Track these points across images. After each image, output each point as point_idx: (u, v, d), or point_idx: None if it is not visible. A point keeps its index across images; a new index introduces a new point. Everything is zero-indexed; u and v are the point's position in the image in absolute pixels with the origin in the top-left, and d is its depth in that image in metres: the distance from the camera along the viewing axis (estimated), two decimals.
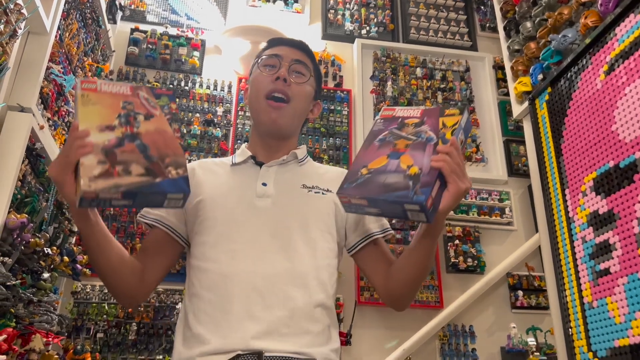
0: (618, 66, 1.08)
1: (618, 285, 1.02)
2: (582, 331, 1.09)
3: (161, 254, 1.27)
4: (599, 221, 1.08)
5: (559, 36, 1.30)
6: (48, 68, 1.92)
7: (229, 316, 1.11)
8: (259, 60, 1.35)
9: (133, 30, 3.19)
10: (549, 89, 1.33)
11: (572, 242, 1.16)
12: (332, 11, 3.61)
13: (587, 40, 1.20)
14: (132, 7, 3.25)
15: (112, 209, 2.74)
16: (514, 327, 2.89)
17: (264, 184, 1.25)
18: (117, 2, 2.93)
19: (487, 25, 3.79)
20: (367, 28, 3.61)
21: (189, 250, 1.28)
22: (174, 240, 1.27)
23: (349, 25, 3.58)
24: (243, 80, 3.23)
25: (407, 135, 1.08)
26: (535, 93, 1.44)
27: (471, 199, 3.19)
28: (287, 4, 3.43)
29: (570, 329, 1.15)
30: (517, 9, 1.54)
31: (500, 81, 3.58)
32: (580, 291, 1.13)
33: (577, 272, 1.13)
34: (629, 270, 1.01)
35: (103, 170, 0.94)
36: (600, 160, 1.09)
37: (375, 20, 3.65)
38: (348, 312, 2.74)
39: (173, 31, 3.27)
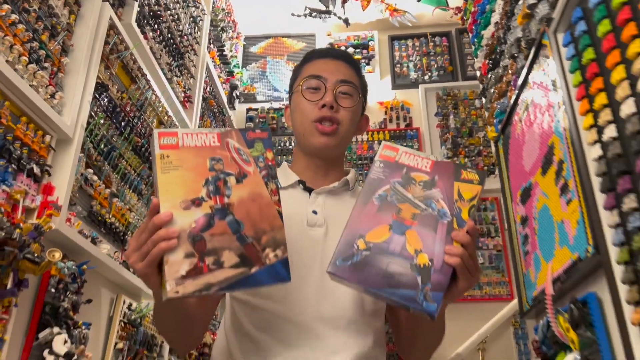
0: (521, 126, 1.78)
1: (532, 260, 1.70)
2: (523, 289, 1.77)
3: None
4: (523, 221, 1.77)
5: (501, 101, 2.00)
6: None
7: None
8: (300, 82, 1.22)
9: (248, 110, 4.27)
10: (502, 136, 2.03)
11: (517, 233, 1.86)
12: (399, 65, 4.41)
13: (509, 108, 1.91)
14: (246, 92, 4.33)
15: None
16: None
17: (315, 212, 1.15)
18: (234, 93, 4.00)
19: None
20: (429, 74, 4.33)
21: None
22: None
23: (413, 75, 4.34)
24: None
25: (414, 201, 0.91)
26: (496, 138, 2.14)
27: None
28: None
29: (520, 291, 1.84)
30: (484, 80, 2.24)
31: None
32: (521, 262, 1.82)
33: (520, 252, 1.83)
34: (533, 251, 1.69)
35: (191, 266, 0.81)
36: (522, 182, 1.78)
37: (435, 65, 4.36)
38: None
39: (277, 104, 4.28)
